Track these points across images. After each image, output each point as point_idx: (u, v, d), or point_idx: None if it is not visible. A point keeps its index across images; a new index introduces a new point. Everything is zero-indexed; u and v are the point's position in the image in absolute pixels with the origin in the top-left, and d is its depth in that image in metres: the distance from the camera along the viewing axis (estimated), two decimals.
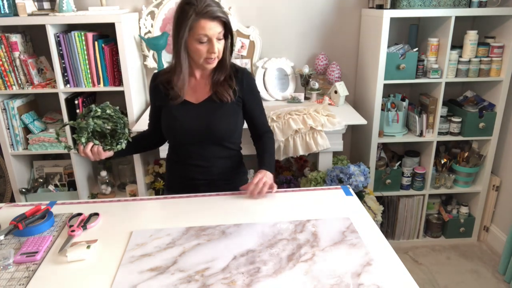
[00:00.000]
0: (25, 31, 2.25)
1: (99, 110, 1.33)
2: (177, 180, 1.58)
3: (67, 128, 2.22)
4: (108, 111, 1.34)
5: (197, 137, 1.45)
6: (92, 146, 1.34)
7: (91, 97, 2.38)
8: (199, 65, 1.40)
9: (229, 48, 1.41)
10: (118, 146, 1.37)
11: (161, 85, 1.45)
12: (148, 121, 1.59)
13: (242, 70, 1.49)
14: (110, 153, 1.40)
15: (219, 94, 1.43)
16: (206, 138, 1.46)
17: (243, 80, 1.47)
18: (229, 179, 1.56)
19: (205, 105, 1.44)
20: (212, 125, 1.43)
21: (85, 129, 1.31)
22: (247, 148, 2.18)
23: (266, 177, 1.40)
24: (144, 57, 2.46)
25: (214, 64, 1.38)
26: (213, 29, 1.29)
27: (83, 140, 1.32)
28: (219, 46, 1.34)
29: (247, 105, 1.51)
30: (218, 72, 1.43)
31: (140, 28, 2.41)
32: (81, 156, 1.33)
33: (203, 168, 1.51)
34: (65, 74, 2.16)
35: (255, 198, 1.39)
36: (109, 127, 1.35)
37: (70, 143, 2.26)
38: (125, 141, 1.39)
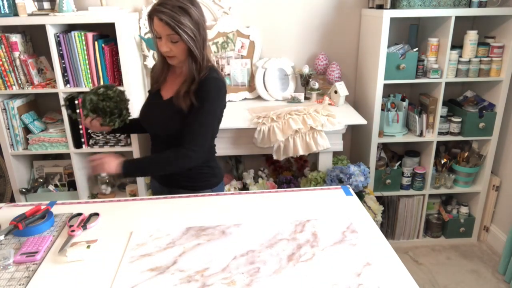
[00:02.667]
0: (25, 31, 2.25)
1: (101, 89, 1.47)
2: None
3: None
4: (109, 92, 1.48)
5: (153, 131, 1.53)
6: (92, 120, 1.49)
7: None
8: None
9: (197, 54, 1.35)
10: (111, 123, 1.50)
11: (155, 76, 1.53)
12: None
13: (205, 78, 1.40)
14: (107, 128, 1.53)
15: (176, 100, 1.41)
16: (161, 134, 1.50)
17: (198, 87, 1.39)
18: (187, 175, 1.51)
19: (169, 103, 1.44)
20: (152, 121, 1.50)
21: (84, 103, 1.46)
22: (249, 148, 2.18)
23: (109, 159, 1.38)
24: (144, 57, 2.46)
25: (173, 61, 1.40)
26: (161, 28, 1.31)
27: (84, 112, 1.48)
28: (172, 46, 1.34)
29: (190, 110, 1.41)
30: (187, 79, 1.41)
31: (140, 28, 2.41)
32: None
33: None
34: (65, 74, 2.16)
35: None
36: (108, 106, 1.47)
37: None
38: (120, 121, 1.51)
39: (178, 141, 1.41)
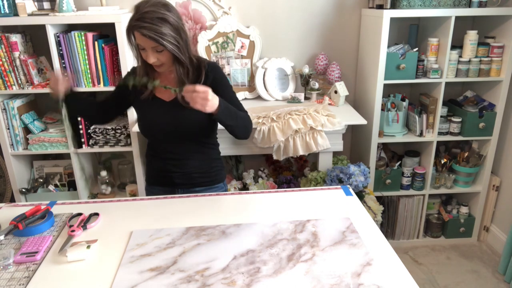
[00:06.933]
0: (25, 31, 2.25)
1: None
2: (155, 173, 1.61)
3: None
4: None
5: (169, 134, 1.49)
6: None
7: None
8: None
9: (183, 59, 1.38)
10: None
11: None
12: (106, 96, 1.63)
13: (208, 65, 1.48)
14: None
15: (184, 101, 1.41)
16: (178, 135, 1.49)
17: (208, 76, 1.47)
18: (204, 171, 1.58)
19: (176, 103, 1.45)
20: (181, 123, 1.46)
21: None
22: (249, 148, 2.18)
23: (214, 97, 1.30)
24: None
25: (161, 69, 1.41)
26: (144, 41, 1.31)
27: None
28: (159, 56, 1.34)
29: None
30: (178, 83, 1.43)
31: None
32: None
33: (179, 161, 1.54)
34: (65, 74, 2.16)
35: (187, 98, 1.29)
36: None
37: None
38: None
39: (203, 133, 1.52)
